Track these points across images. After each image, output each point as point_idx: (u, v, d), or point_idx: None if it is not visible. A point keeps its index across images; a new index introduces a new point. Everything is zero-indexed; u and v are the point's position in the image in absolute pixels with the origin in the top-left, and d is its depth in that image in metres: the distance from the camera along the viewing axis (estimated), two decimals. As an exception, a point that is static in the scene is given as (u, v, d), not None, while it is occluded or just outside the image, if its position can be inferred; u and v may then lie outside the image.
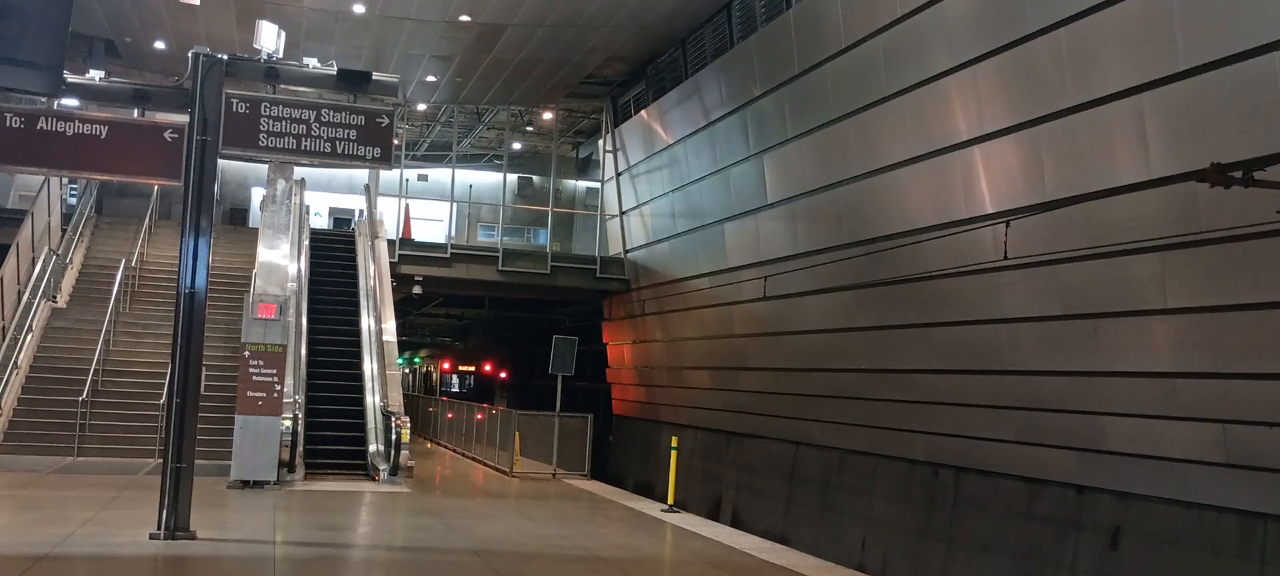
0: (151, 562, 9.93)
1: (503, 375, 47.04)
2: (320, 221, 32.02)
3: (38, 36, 8.92)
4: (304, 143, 11.43)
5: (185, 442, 10.87)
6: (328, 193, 33.51)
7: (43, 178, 21.75)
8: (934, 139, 15.22)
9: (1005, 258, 13.01)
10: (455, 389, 53.38)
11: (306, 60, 12.09)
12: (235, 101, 11.27)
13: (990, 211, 14.21)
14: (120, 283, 21.10)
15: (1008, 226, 12.65)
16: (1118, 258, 12.48)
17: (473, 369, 53.58)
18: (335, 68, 11.85)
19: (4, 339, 19.00)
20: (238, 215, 32.85)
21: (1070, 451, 14.32)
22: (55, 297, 21.08)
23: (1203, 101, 11.17)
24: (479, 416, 23.18)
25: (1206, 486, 12.49)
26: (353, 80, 11.86)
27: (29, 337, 19.47)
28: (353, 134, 11.53)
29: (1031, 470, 15.12)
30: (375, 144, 11.65)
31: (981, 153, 14.42)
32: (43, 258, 21.11)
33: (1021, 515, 15.20)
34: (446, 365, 54.62)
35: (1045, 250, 13.32)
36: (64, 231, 23.11)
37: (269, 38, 11.66)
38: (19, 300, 19.99)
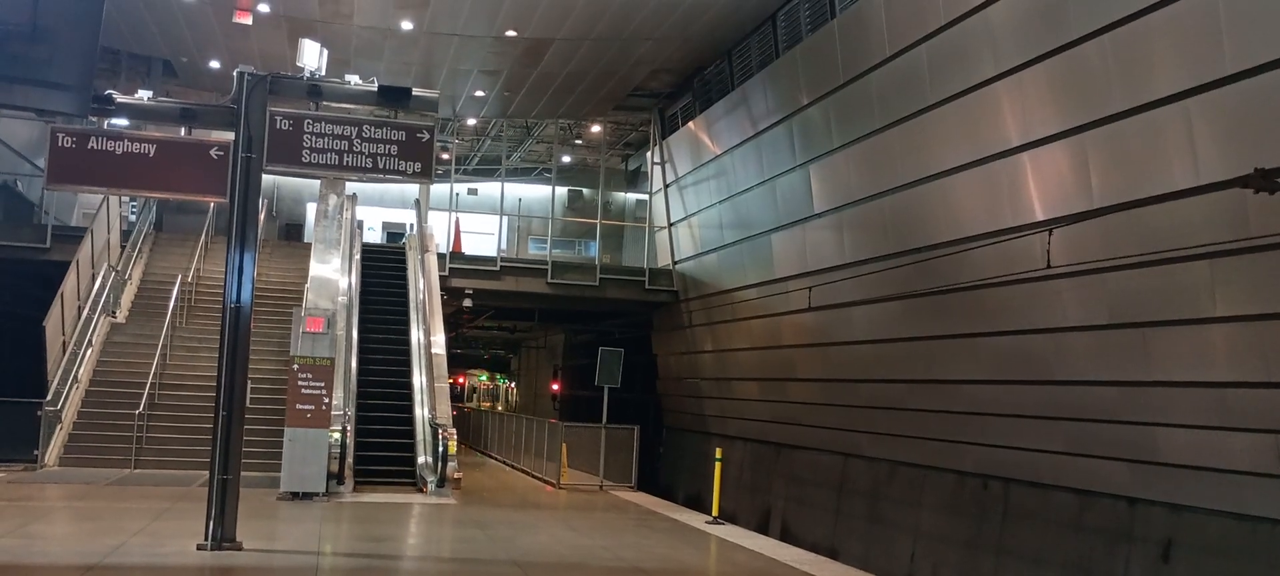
0: (196, 573, 10.10)
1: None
2: (373, 236, 32.42)
3: (67, 59, 9.19)
4: (346, 158, 11.58)
5: (231, 454, 11.04)
6: (380, 207, 33.96)
7: (102, 196, 22.26)
8: (980, 146, 15.06)
9: (1048, 265, 12.83)
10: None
11: (348, 77, 12.26)
12: (279, 119, 11.46)
13: (1038, 219, 14.02)
14: (176, 298, 21.52)
15: (1050, 234, 12.48)
16: (1167, 265, 12.27)
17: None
18: (376, 84, 12.00)
19: (65, 353, 19.46)
20: (294, 231, 33.31)
21: (1121, 462, 14.06)
22: (114, 313, 21.56)
23: (1251, 106, 10.94)
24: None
25: (1261, 498, 12.17)
26: (393, 96, 12.00)
27: (89, 352, 19.93)
28: (394, 149, 11.66)
29: (1082, 481, 14.85)
30: (416, 159, 11.75)
31: (1029, 159, 14.24)
32: (102, 274, 21.57)
33: (1072, 527, 14.94)
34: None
35: (1094, 258, 13.11)
36: (123, 248, 23.61)
37: (312, 56, 11.84)
38: (79, 315, 20.46)
